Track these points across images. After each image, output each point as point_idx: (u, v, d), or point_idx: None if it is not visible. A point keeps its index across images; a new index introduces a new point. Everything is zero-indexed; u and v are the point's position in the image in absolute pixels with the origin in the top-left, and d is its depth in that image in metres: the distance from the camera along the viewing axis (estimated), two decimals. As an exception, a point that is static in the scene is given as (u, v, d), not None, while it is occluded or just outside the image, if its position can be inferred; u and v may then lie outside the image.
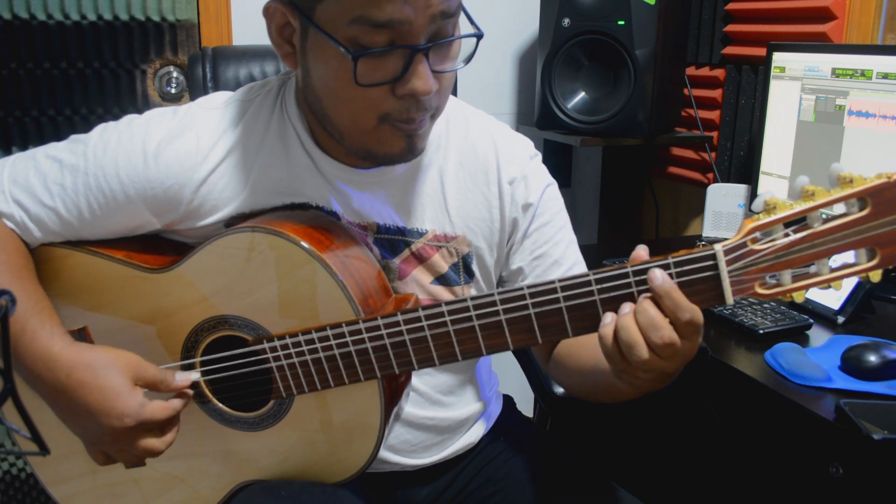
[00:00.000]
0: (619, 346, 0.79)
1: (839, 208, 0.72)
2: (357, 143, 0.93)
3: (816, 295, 1.45)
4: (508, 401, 1.30)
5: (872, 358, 1.16)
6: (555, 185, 1.10)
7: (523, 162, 1.05)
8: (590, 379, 1.00)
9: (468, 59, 0.90)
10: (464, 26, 0.90)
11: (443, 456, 1.13)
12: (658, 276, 0.77)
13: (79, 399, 0.90)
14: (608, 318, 0.80)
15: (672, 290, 0.77)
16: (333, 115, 0.92)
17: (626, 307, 0.79)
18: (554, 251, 1.08)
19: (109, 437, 0.91)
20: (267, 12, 0.90)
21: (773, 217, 0.71)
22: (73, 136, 1.01)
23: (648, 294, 0.78)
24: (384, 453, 1.08)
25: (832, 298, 1.42)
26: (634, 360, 0.79)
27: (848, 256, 0.72)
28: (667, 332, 0.77)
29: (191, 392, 0.97)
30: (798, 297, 0.73)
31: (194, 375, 0.98)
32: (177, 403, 0.95)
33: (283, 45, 0.91)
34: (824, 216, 0.72)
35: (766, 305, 1.42)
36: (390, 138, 0.91)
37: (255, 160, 0.99)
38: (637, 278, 0.77)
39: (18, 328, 0.90)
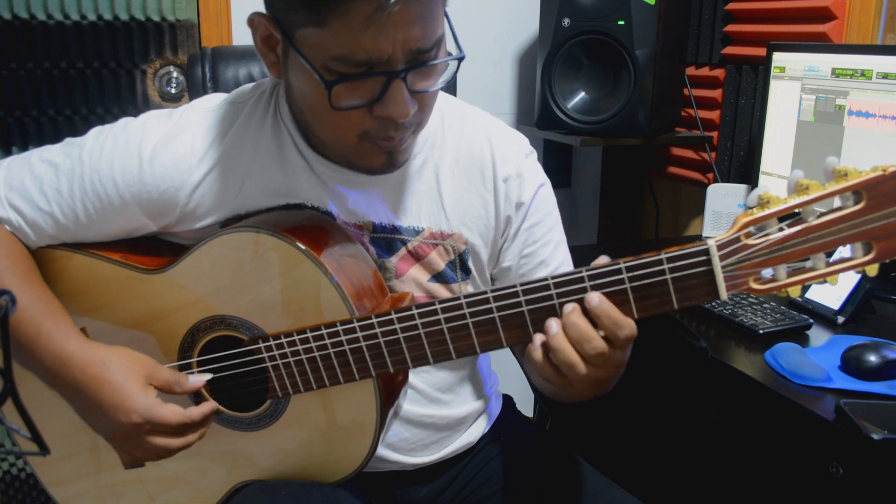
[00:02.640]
0: (553, 365, 0.82)
1: (835, 202, 0.72)
2: (339, 154, 0.96)
3: (816, 295, 1.44)
4: (508, 400, 1.29)
5: (872, 358, 1.16)
6: (548, 184, 1.10)
7: (518, 159, 1.05)
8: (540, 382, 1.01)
9: (448, 80, 0.90)
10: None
11: (442, 455, 1.13)
12: (595, 299, 0.79)
13: (92, 395, 0.91)
14: (537, 341, 0.82)
15: (611, 310, 0.79)
16: (315, 128, 0.94)
17: (554, 326, 0.80)
18: (542, 251, 1.08)
19: (121, 433, 0.92)
20: (251, 23, 0.90)
21: (766, 211, 0.71)
22: (68, 140, 1.01)
23: (573, 307, 0.79)
24: (383, 452, 1.08)
25: (832, 298, 1.41)
26: (574, 377, 0.81)
27: (844, 251, 0.71)
28: (597, 343, 0.79)
29: (211, 409, 0.97)
30: (793, 293, 0.73)
31: (207, 375, 0.98)
32: (195, 414, 0.94)
33: (268, 54, 0.91)
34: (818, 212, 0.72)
35: (766, 305, 1.42)
36: (370, 153, 0.92)
37: (249, 162, 0.99)
38: (630, 274, 0.77)
39: (33, 332, 0.92)
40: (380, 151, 0.92)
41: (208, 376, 0.98)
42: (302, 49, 0.84)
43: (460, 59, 0.89)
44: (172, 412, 0.92)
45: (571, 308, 0.80)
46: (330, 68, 0.83)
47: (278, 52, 0.91)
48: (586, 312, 0.80)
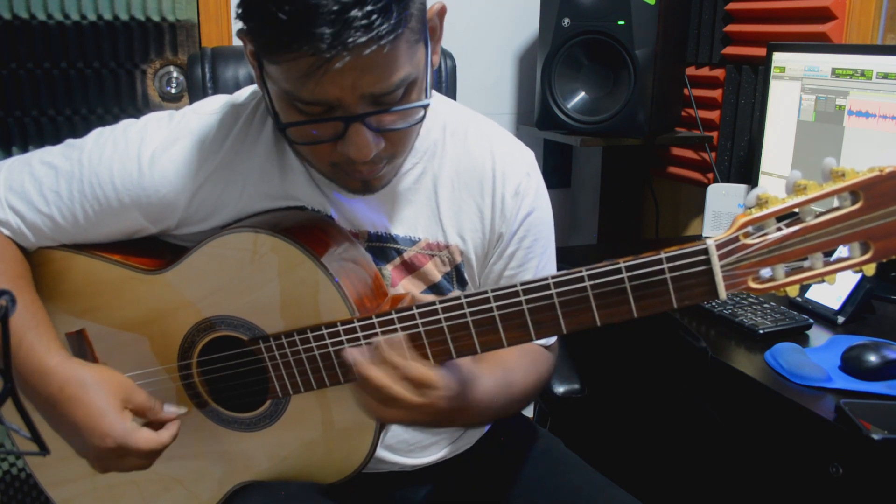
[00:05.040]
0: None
1: (833, 202, 0.72)
2: (320, 173, 0.95)
3: (816, 295, 1.44)
4: (507, 401, 1.29)
5: (872, 358, 1.16)
6: (543, 207, 1.09)
7: (519, 177, 1.04)
8: None
9: (419, 121, 0.89)
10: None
11: (441, 456, 1.13)
12: (351, 357, 0.84)
13: (68, 413, 0.91)
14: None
15: (389, 355, 0.83)
16: (294, 146, 0.94)
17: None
18: (523, 275, 1.08)
19: (93, 453, 0.92)
20: (240, 37, 0.89)
21: (765, 211, 0.71)
22: (69, 141, 1.01)
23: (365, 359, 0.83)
24: (382, 453, 1.08)
25: (832, 298, 1.41)
26: (376, 418, 0.87)
27: (842, 250, 0.72)
28: (392, 391, 0.82)
29: (178, 428, 0.97)
30: (792, 292, 0.73)
31: (182, 409, 0.99)
32: (165, 437, 0.94)
33: (256, 67, 0.90)
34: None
35: (766, 305, 1.42)
36: (345, 178, 0.92)
37: (250, 167, 0.98)
38: (630, 274, 0.77)
39: (16, 340, 0.91)
40: (354, 178, 0.92)
41: (184, 409, 0.99)
42: (266, 76, 0.85)
43: (425, 107, 0.88)
44: (146, 439, 0.92)
45: (355, 360, 0.83)
46: (288, 100, 0.83)
47: None
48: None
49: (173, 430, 0.96)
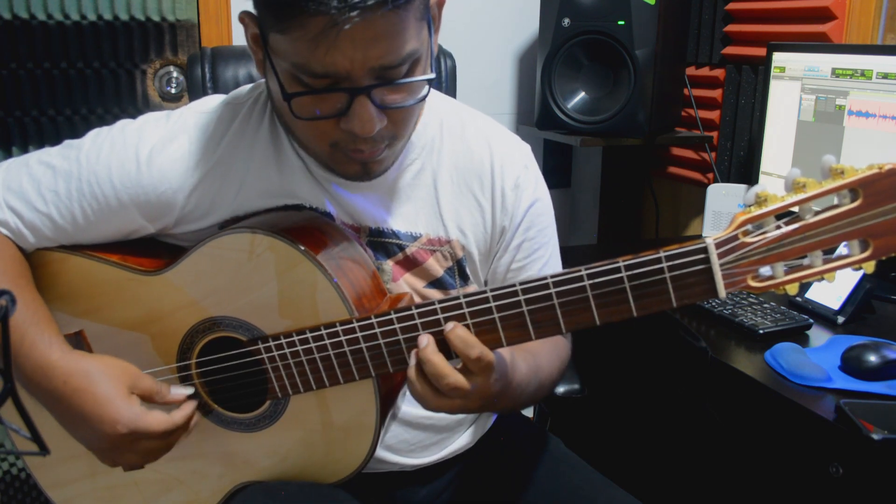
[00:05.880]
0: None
1: (832, 200, 0.72)
2: (318, 159, 0.95)
3: (816, 295, 1.44)
4: (507, 401, 1.29)
5: (872, 358, 1.16)
6: (544, 198, 1.09)
7: (517, 170, 1.04)
8: None
9: (422, 99, 0.89)
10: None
11: (441, 455, 1.13)
12: (423, 341, 0.83)
13: (75, 406, 0.91)
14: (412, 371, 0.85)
15: (455, 339, 0.82)
16: (293, 131, 0.94)
17: (413, 359, 0.84)
18: (531, 267, 1.08)
19: (106, 443, 0.92)
20: (242, 21, 0.89)
21: (764, 209, 0.71)
22: (67, 142, 1.01)
23: (427, 341, 0.83)
24: (382, 453, 1.07)
25: (832, 298, 1.41)
26: (429, 407, 0.85)
27: (841, 248, 0.71)
28: (451, 379, 0.82)
29: (193, 410, 0.97)
30: (791, 290, 0.73)
31: (189, 390, 0.98)
32: (178, 417, 0.94)
33: (256, 51, 0.90)
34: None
35: (766, 305, 1.42)
36: (345, 161, 0.92)
37: (247, 163, 0.98)
38: (629, 273, 0.77)
39: (18, 337, 0.91)
40: (353, 161, 0.91)
41: (190, 390, 0.99)
42: (271, 53, 0.84)
43: (430, 81, 0.88)
44: (158, 420, 0.92)
45: (426, 343, 0.83)
46: (294, 75, 0.83)
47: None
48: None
49: (187, 410, 0.96)
